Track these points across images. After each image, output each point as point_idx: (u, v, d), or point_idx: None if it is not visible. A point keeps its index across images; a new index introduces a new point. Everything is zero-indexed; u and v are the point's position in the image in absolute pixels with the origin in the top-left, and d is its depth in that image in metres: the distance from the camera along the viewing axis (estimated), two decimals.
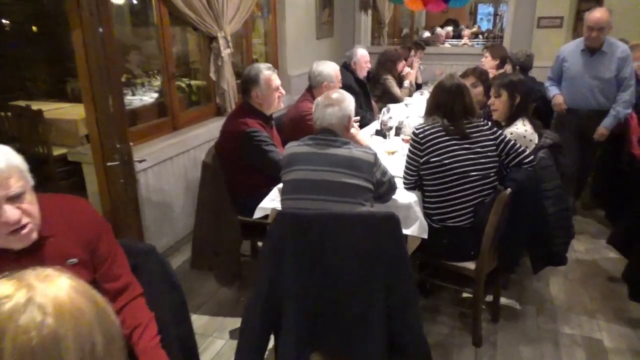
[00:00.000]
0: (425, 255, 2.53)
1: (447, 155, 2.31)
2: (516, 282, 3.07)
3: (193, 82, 4.10)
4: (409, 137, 2.91)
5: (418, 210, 2.36)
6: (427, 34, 8.55)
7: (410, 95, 5.17)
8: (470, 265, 2.39)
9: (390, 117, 3.49)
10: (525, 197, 2.31)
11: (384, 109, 3.89)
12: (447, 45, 7.76)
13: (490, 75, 4.54)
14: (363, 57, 4.39)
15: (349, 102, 2.17)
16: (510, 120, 2.79)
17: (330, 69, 3.33)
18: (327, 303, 1.98)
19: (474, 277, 2.40)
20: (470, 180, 2.32)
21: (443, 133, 2.33)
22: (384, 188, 2.20)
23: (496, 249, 2.41)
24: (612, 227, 3.56)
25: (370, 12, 6.97)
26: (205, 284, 3.11)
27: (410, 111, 4.30)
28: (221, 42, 3.82)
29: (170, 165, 3.42)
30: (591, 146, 3.74)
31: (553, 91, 3.82)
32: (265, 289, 1.93)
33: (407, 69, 5.10)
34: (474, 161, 2.32)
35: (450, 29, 9.62)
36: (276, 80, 2.74)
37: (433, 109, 2.44)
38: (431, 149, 2.33)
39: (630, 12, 5.51)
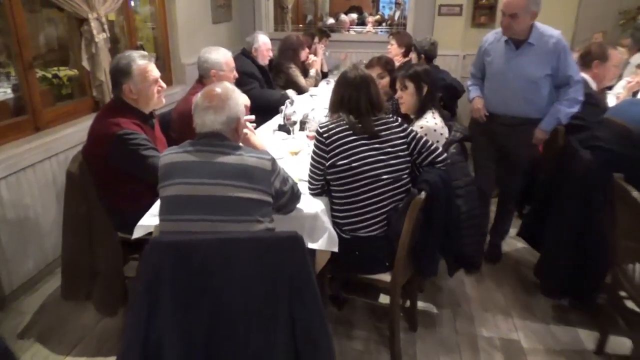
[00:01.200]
0: (335, 269, 2.26)
1: (356, 157, 2.04)
2: (432, 282, 2.93)
3: (62, 73, 3.48)
4: (313, 134, 2.64)
5: (326, 221, 2.07)
6: (331, 20, 8.33)
7: (316, 85, 4.90)
8: (386, 277, 2.16)
9: (294, 111, 3.18)
10: (439, 199, 2.12)
11: (287, 101, 3.58)
12: (352, 32, 7.59)
13: (396, 64, 4.41)
14: (265, 44, 4.03)
15: (236, 99, 1.79)
16: (420, 112, 2.60)
17: (219, 55, 2.94)
18: (221, 341, 1.63)
19: (390, 290, 2.17)
20: (382, 185, 2.07)
21: (350, 132, 2.06)
22: (286, 198, 1.88)
23: (411, 258, 2.20)
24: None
25: None
26: (81, 317, 2.61)
27: (315, 103, 4.02)
28: (93, 24, 3.24)
29: (33, 174, 2.84)
30: (516, 165, 3.00)
31: (473, 92, 3.08)
32: (140, 336, 1.53)
33: (311, 57, 4.81)
34: (385, 162, 2.07)
35: (354, 16, 9.51)
36: (154, 72, 2.29)
37: (337, 104, 2.15)
38: (337, 150, 2.05)
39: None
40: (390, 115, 2.20)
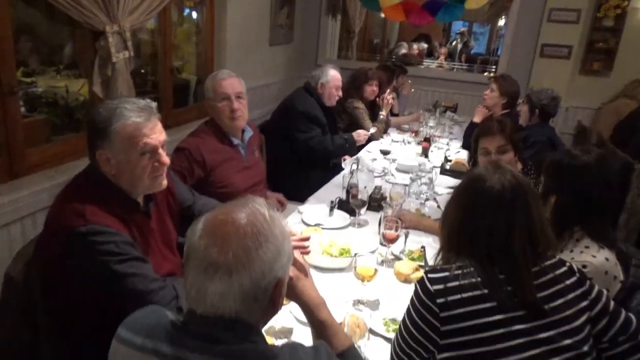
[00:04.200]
0: None
1: (496, 348, 1.07)
2: None
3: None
4: (394, 232, 1.71)
5: None
6: (404, 49, 7.39)
7: (384, 132, 3.95)
8: None
9: (358, 180, 2.26)
10: None
11: (349, 160, 2.67)
12: (431, 66, 6.63)
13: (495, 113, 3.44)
14: (335, 80, 3.14)
15: (279, 237, 0.85)
16: (563, 233, 1.56)
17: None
18: None
19: None
20: None
21: (489, 304, 1.08)
22: None
23: None
24: None
25: (339, 17, 5.73)
26: None
27: (389, 163, 3.07)
28: (111, 40, 2.45)
29: (7, 236, 2.06)
30: None
31: None
32: None
33: (388, 97, 3.82)
34: None
35: (425, 45, 8.57)
36: (150, 137, 1.36)
37: (461, 241, 1.19)
38: (460, 328, 1.08)
39: None
40: (556, 259, 1.21)
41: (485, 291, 1.08)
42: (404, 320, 1.17)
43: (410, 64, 5.60)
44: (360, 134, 3.31)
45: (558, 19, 4.64)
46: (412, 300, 1.15)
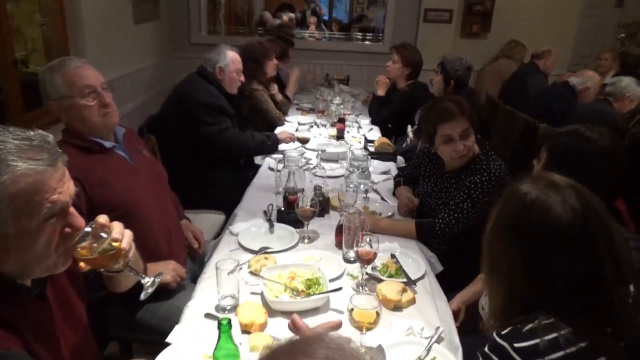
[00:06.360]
0: None
1: None
2: None
3: None
4: (371, 249, 1.41)
5: None
6: (279, 20, 6.93)
7: (285, 114, 3.56)
8: None
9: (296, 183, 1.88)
10: None
11: (278, 163, 2.28)
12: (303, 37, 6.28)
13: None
14: (234, 63, 2.62)
15: None
16: None
17: None
18: None
19: None
20: None
21: None
22: None
23: None
24: None
25: None
26: None
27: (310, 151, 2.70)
28: None
29: None
30: None
31: None
32: None
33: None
34: None
35: (292, 15, 8.20)
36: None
37: (528, 290, 0.90)
38: None
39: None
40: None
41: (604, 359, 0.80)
42: None
43: (292, 36, 5.20)
44: (285, 136, 2.81)
45: None
46: None
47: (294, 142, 2.82)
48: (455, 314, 1.62)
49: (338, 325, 0.99)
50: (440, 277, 1.70)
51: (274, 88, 3.54)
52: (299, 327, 0.95)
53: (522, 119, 3.52)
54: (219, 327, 1.00)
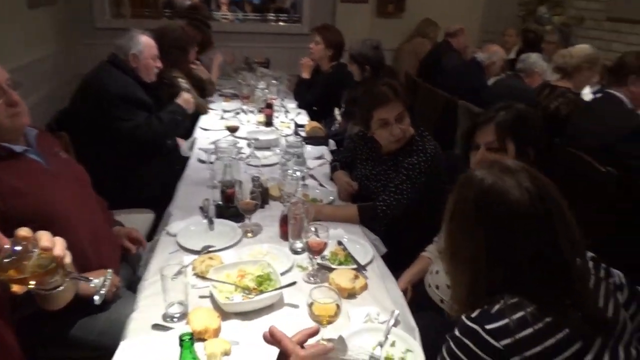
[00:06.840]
0: None
1: None
2: None
3: None
4: (321, 239, 1.39)
5: None
6: (187, 1, 6.55)
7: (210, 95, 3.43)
8: None
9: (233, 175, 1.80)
10: None
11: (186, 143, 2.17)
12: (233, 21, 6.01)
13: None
14: (149, 48, 2.43)
15: None
16: None
17: None
18: None
19: None
20: None
21: (563, 336, 0.84)
22: None
23: None
24: None
25: None
26: None
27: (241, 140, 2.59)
28: None
29: None
30: None
31: None
32: None
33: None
34: None
35: None
36: None
37: (493, 274, 0.91)
38: None
39: None
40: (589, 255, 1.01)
41: (567, 331, 0.83)
42: None
43: (210, 18, 4.97)
44: (186, 99, 2.67)
45: None
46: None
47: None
48: (404, 293, 1.64)
49: (316, 332, 0.95)
50: (384, 259, 1.72)
51: (198, 64, 3.38)
52: (279, 338, 0.90)
53: (442, 97, 3.64)
54: (181, 345, 0.92)
